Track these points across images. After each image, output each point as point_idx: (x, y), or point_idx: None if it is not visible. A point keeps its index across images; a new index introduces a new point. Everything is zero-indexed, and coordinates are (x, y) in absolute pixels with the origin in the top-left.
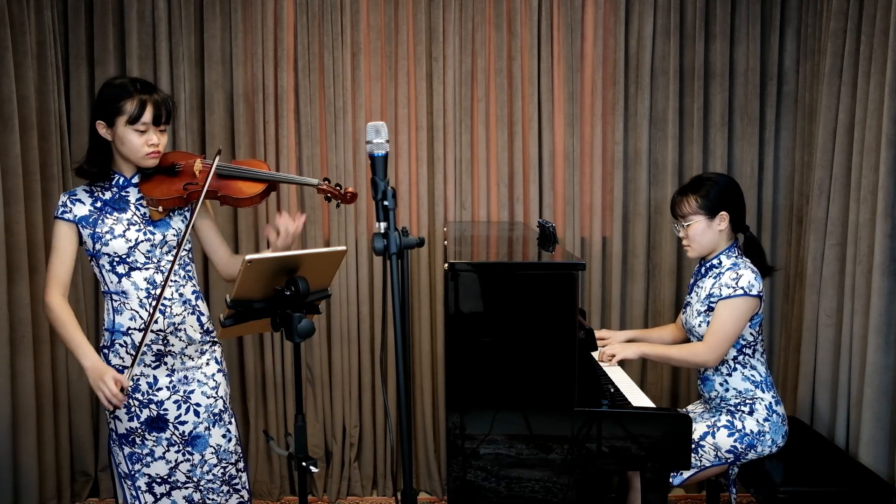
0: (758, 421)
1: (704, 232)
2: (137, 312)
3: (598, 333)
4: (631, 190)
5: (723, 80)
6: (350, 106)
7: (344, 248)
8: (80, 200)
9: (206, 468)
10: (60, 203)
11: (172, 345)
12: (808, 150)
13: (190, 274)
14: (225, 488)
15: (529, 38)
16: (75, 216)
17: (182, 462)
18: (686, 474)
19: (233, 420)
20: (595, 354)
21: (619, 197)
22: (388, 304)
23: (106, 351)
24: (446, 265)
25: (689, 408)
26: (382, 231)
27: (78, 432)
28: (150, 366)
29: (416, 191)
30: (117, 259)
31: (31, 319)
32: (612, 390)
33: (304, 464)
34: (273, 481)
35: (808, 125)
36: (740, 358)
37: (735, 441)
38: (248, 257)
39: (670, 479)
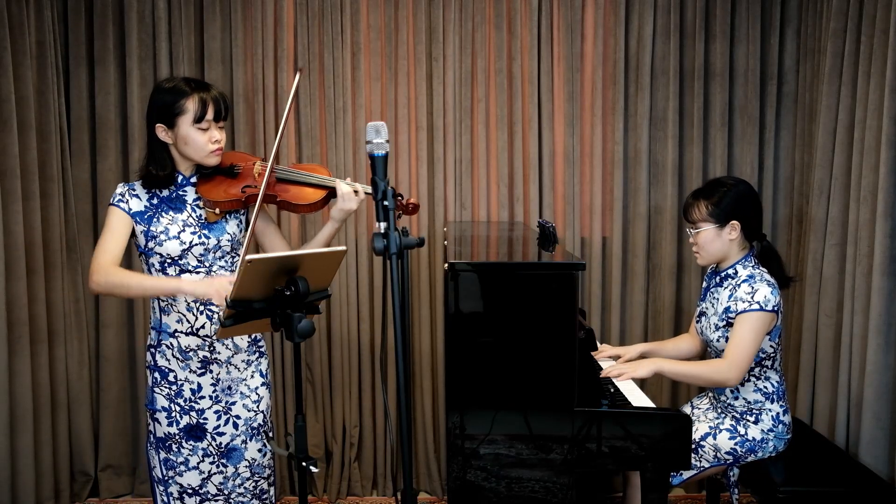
0: (762, 430)
1: (713, 240)
2: (185, 316)
3: (611, 351)
4: (631, 190)
5: (723, 80)
6: (350, 106)
7: (344, 248)
8: (137, 195)
9: (238, 481)
10: (118, 192)
11: (219, 352)
12: (808, 150)
13: None
14: (255, 502)
15: (529, 38)
16: (130, 209)
17: (215, 474)
18: (686, 474)
19: (272, 433)
20: (603, 367)
21: (619, 197)
22: (388, 305)
23: (153, 350)
24: (446, 265)
25: (694, 401)
26: (382, 231)
27: (77, 432)
28: (195, 372)
29: (416, 191)
30: (169, 260)
31: (28, 320)
32: (612, 390)
33: (304, 464)
34: None
35: (808, 125)
36: (756, 370)
37: (736, 444)
38: (248, 257)
39: (670, 479)
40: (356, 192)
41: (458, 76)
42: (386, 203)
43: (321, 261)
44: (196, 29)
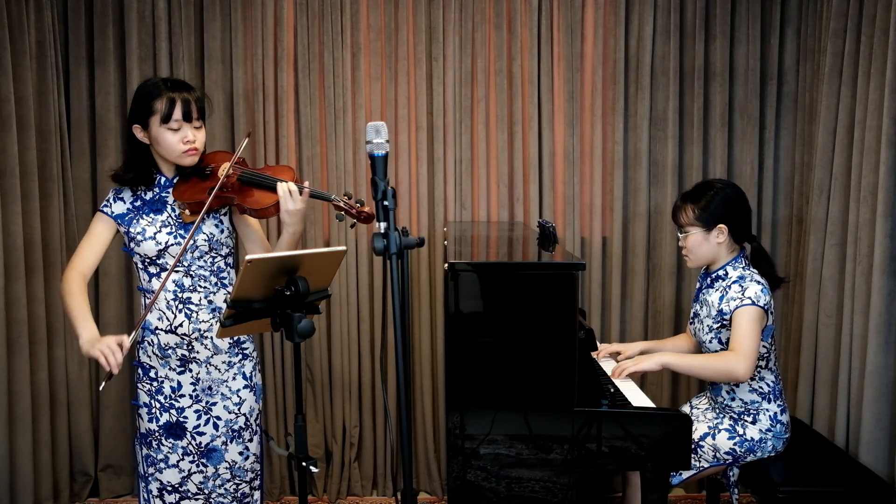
0: (760, 430)
1: (701, 244)
2: (164, 314)
3: (611, 347)
4: (631, 190)
5: (723, 80)
6: (350, 106)
7: (344, 248)
8: (121, 198)
9: (218, 482)
10: (106, 197)
11: (198, 352)
12: (808, 150)
13: (224, 282)
14: None
15: (529, 38)
16: (112, 212)
17: (195, 473)
18: (686, 474)
19: (254, 438)
20: (606, 367)
21: (619, 197)
22: (388, 305)
23: (138, 346)
24: (446, 265)
25: (693, 401)
26: (382, 231)
27: (77, 432)
28: (175, 370)
29: (416, 191)
30: (148, 260)
31: (27, 319)
32: (612, 390)
33: (304, 464)
34: (273, 481)
35: (808, 125)
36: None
37: (735, 444)
38: (248, 257)
39: (670, 479)
40: (296, 192)
41: (458, 76)
42: (386, 203)
43: (321, 261)
44: (196, 29)
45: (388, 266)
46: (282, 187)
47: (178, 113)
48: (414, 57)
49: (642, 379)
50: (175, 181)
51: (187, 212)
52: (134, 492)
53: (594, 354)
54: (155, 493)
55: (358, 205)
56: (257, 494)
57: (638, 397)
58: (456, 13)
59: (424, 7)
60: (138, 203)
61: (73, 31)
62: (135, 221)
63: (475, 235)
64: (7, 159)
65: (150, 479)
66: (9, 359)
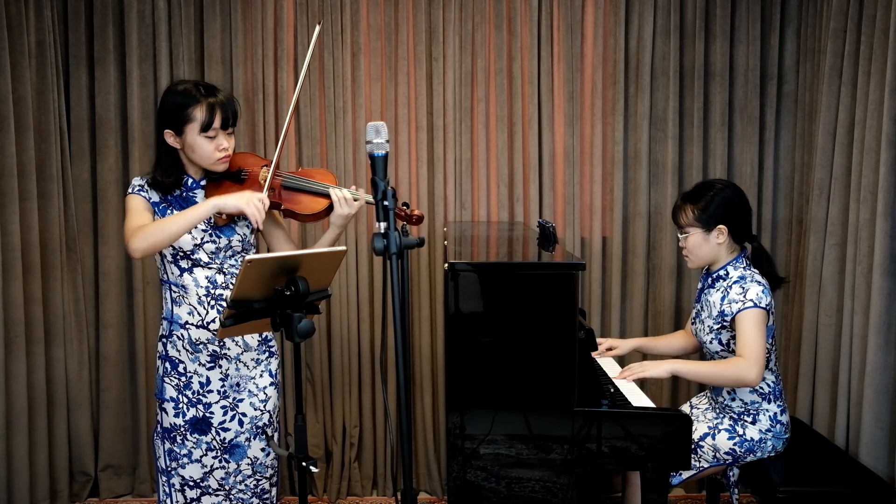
0: (760, 430)
1: (701, 245)
2: (195, 309)
3: (605, 342)
4: (631, 190)
5: (723, 80)
6: (350, 106)
7: (344, 248)
8: (154, 188)
9: (239, 478)
10: (136, 184)
11: (228, 348)
12: (808, 150)
13: None
14: (255, 501)
15: (529, 38)
16: (150, 198)
17: (217, 469)
18: (685, 474)
19: (275, 435)
20: (606, 367)
21: (619, 197)
22: (387, 305)
23: (164, 341)
24: (446, 265)
25: (693, 401)
26: (382, 231)
27: (77, 432)
28: (204, 365)
29: (416, 191)
30: (181, 253)
31: (24, 320)
32: (612, 390)
33: (304, 464)
34: None
35: (808, 125)
36: None
37: (734, 444)
38: (248, 257)
39: (670, 479)
40: (350, 198)
41: (458, 76)
42: (386, 203)
43: (321, 261)
44: (196, 29)
45: (388, 266)
46: (336, 193)
47: (217, 121)
48: (414, 57)
49: (642, 378)
50: (203, 184)
51: (223, 216)
52: (135, 492)
53: (594, 354)
54: (177, 487)
55: (405, 207)
56: (274, 490)
57: (638, 397)
58: (456, 13)
59: (424, 7)
60: (169, 198)
61: (73, 31)
62: (169, 212)
63: (475, 235)
64: (5, 159)
65: (172, 473)
66: (6, 359)
